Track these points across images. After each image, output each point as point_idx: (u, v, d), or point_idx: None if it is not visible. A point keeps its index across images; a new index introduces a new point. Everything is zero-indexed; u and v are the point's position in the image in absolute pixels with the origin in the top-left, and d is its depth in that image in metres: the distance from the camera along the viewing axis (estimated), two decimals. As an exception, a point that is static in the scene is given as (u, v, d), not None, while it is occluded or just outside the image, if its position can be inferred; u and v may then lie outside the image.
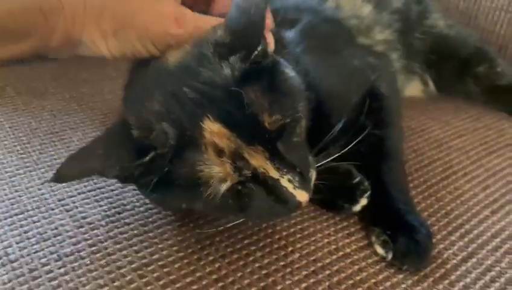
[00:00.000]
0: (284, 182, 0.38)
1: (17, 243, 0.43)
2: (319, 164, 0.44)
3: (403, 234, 0.45)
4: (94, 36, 0.41)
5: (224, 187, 0.38)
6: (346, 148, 0.48)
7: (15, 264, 0.41)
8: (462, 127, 0.71)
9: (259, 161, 0.37)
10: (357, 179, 0.50)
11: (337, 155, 0.48)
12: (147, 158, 0.37)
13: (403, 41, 0.72)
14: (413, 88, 0.78)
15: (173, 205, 0.45)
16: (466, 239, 0.48)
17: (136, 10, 0.41)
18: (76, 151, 0.37)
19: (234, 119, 0.37)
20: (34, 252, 0.42)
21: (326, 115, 0.50)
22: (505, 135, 0.70)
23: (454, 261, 0.45)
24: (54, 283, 0.39)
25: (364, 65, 0.59)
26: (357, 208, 0.49)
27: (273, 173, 0.38)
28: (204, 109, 0.37)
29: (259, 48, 0.38)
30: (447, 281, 0.43)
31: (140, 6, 0.41)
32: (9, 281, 0.39)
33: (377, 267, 0.44)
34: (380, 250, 0.45)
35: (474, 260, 0.46)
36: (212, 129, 0.37)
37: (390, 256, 0.44)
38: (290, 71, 0.42)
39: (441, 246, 0.47)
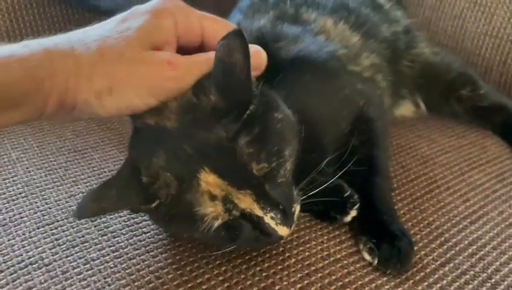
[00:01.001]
0: (267, 219, 0.42)
1: (50, 249, 0.48)
2: (313, 192, 0.49)
3: (386, 242, 0.49)
4: (88, 97, 0.39)
5: (216, 224, 0.42)
6: (340, 173, 0.53)
7: (49, 267, 0.46)
8: (448, 144, 0.75)
9: (246, 203, 0.42)
10: (348, 193, 0.54)
11: (334, 179, 0.52)
12: (153, 205, 0.43)
13: (392, 68, 0.76)
14: (404, 109, 0.83)
15: (175, 233, 0.51)
16: (445, 247, 0.53)
17: (128, 64, 0.39)
18: (93, 191, 0.42)
19: (227, 170, 0.41)
20: (65, 257, 0.47)
21: (319, 142, 0.55)
22: (488, 151, 0.74)
23: (433, 265, 0.50)
24: (84, 283, 0.45)
25: (353, 92, 0.63)
26: (348, 219, 0.54)
27: (258, 212, 0.42)
28: (201, 163, 0.41)
29: (251, 107, 0.42)
30: (425, 283, 0.48)
31: (132, 59, 0.39)
32: (45, 281, 0.45)
33: (364, 271, 0.49)
34: (366, 256, 0.50)
35: (451, 265, 0.50)
36: (208, 180, 0.41)
37: (375, 261, 0.49)
38: (279, 113, 0.45)
39: (422, 252, 0.52)
